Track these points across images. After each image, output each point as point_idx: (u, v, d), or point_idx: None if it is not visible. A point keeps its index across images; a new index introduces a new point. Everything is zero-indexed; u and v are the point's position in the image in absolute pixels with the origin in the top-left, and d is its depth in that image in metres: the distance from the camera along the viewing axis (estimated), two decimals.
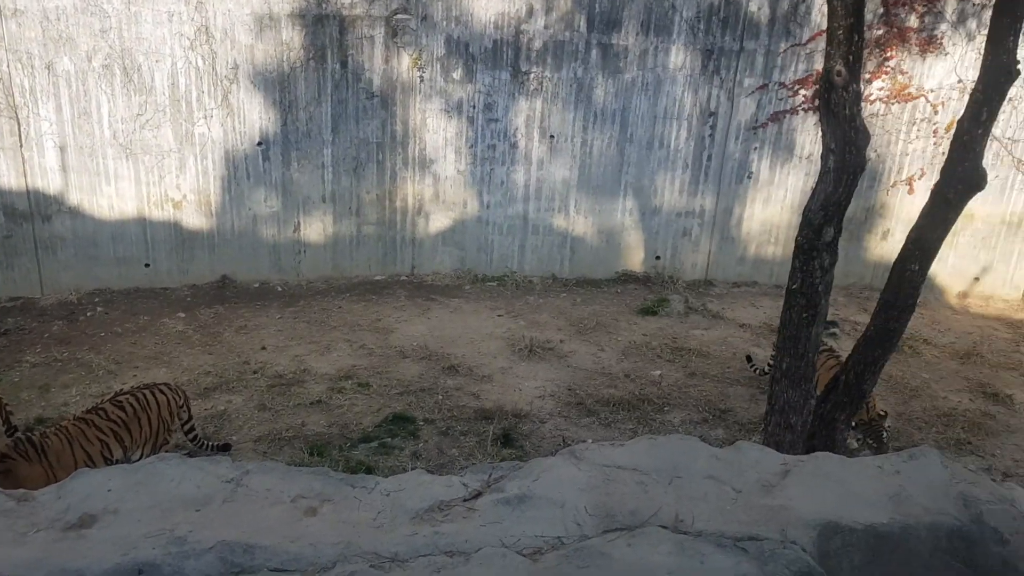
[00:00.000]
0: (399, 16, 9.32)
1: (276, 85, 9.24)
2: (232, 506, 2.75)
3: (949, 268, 10.75)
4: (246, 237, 9.69)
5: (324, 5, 9.07)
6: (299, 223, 9.81)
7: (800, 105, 10.01)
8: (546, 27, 9.61)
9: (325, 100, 9.44)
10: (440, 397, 7.57)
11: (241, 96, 9.16)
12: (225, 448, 6.47)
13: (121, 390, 6.19)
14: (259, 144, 9.39)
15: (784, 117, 10.11)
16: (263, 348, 8.36)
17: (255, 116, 9.27)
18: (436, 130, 9.82)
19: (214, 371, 7.82)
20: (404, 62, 9.49)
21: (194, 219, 9.47)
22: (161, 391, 6.17)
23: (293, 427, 6.95)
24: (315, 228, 9.88)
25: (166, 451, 5.98)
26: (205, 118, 9.13)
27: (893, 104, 10.07)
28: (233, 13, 8.86)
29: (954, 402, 8.00)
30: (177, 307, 9.19)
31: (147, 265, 9.49)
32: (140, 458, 5.35)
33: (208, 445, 6.43)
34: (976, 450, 7.20)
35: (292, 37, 9.11)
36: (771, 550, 2.95)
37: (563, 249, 10.59)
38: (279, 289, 9.80)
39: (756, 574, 2.81)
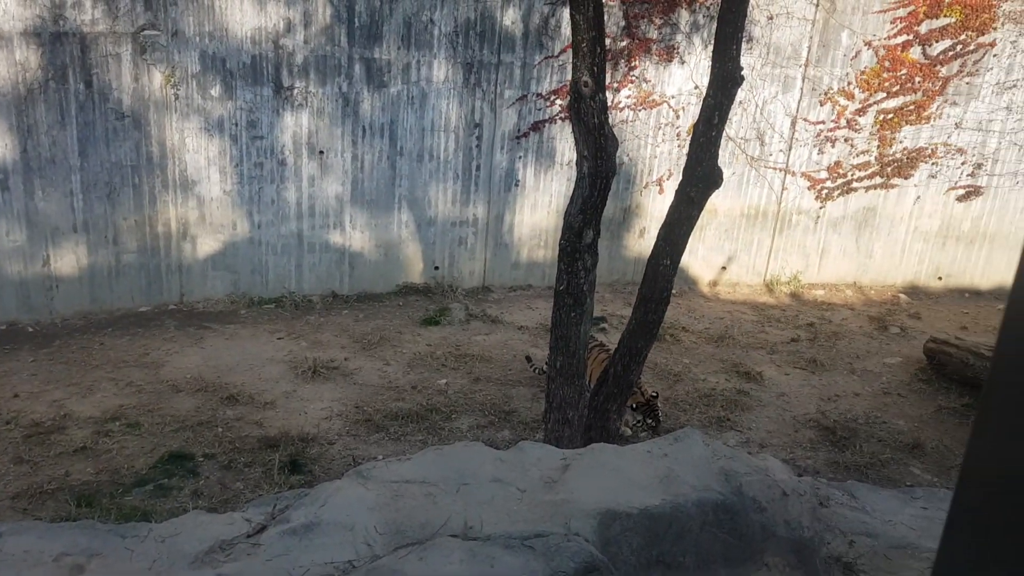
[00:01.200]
0: (147, 32, 8.82)
1: (12, 109, 8.46)
2: None
3: (700, 260, 11.69)
4: None
5: (61, 22, 8.42)
6: (48, 256, 9.03)
7: (557, 115, 10.56)
8: (306, 41, 9.46)
9: (70, 123, 8.76)
10: (220, 429, 7.25)
11: None
12: None
13: None
14: None
15: (544, 126, 10.61)
16: (15, 396, 7.63)
17: None
18: (197, 150, 9.39)
19: None
20: (156, 80, 9.00)
21: None
22: None
23: (56, 478, 6.39)
24: (67, 260, 9.14)
25: None
26: None
27: (640, 110, 10.83)
28: None
29: (713, 383, 8.71)
30: None
31: None
32: None
33: None
34: (735, 426, 7.89)
35: (27, 57, 8.38)
36: (556, 544, 3.10)
37: (342, 266, 10.46)
38: (30, 330, 8.97)
39: (543, 570, 2.94)
